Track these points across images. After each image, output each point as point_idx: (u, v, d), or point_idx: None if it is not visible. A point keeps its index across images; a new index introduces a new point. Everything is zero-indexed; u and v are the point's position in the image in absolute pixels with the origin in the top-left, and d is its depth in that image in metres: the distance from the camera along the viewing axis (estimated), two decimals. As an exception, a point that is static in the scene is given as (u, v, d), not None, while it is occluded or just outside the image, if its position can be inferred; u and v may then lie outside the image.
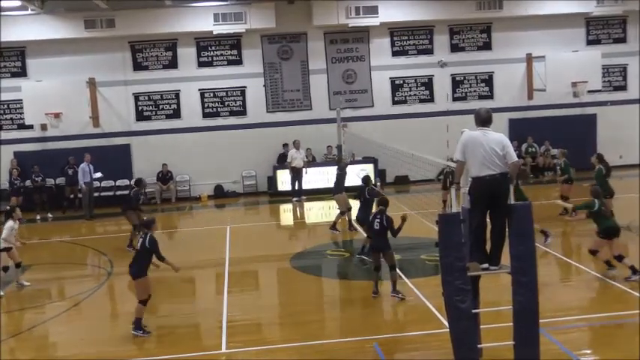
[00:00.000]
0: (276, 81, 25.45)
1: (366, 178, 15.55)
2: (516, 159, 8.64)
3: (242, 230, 18.94)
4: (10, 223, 14.01)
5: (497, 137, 8.55)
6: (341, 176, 18.08)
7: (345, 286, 13.61)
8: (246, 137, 25.02)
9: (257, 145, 24.93)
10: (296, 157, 23.39)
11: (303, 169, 23.44)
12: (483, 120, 8.72)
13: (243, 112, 25.40)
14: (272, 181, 24.79)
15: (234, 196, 25.10)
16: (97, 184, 23.76)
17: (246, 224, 19.81)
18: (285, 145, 24.80)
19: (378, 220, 12.18)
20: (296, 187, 23.38)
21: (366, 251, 14.38)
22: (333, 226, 17.82)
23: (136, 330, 10.95)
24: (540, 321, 8.68)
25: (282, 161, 24.73)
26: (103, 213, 22.72)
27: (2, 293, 13.61)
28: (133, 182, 19.09)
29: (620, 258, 12.43)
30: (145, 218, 11.75)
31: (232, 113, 25.36)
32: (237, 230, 18.67)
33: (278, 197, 24.07)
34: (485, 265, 8.62)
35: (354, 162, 23.50)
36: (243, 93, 25.33)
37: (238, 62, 25.23)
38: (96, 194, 23.73)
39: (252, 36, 24.88)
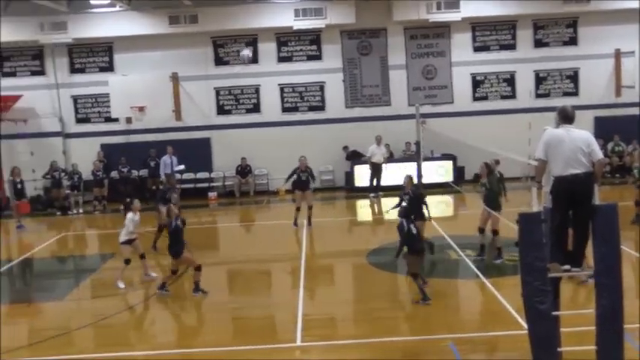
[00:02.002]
0: (355, 76, 25.43)
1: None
2: (602, 157, 8.35)
3: (318, 225, 19.01)
4: (130, 215, 14.19)
5: (582, 135, 8.29)
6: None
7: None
8: (325, 132, 25.09)
9: (335, 141, 24.97)
10: (376, 152, 23.26)
11: (383, 165, 23.29)
12: (568, 117, 8.44)
13: (321, 107, 25.50)
14: (350, 176, 24.77)
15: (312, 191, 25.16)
16: (178, 176, 24.31)
17: (322, 219, 19.85)
18: (346, 147, 24.67)
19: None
20: (374, 183, 23.26)
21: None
22: None
23: (195, 292, 12.80)
24: (625, 326, 8.37)
25: (354, 157, 24.66)
26: (182, 205, 23.18)
27: (122, 286, 13.77)
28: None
29: None
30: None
31: (311, 108, 25.49)
32: (314, 225, 18.74)
33: (355, 193, 24.04)
34: (567, 267, 8.38)
35: (432, 158, 23.31)
36: (322, 88, 25.42)
37: (318, 57, 25.34)
38: (177, 186, 24.24)
39: (332, 31, 24.93)
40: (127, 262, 13.97)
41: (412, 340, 10.12)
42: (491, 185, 14.31)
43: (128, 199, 15.29)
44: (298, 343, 10.24)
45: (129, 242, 14.09)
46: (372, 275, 13.94)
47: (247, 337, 10.73)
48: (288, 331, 10.76)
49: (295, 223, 18.52)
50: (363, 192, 23.68)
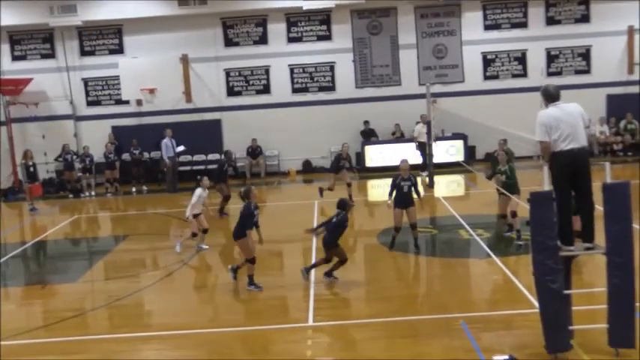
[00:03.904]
0: (365, 56, 25.33)
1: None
2: (588, 122, 8.75)
3: (330, 206, 18.99)
4: (198, 191, 14.65)
5: (575, 107, 8.47)
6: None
7: (432, 262, 13.48)
8: (335, 113, 25.07)
9: (346, 121, 24.94)
10: (422, 131, 22.97)
11: (434, 143, 22.94)
12: (554, 96, 8.55)
13: (332, 88, 25.45)
14: (360, 157, 24.75)
15: (323, 171, 25.21)
16: (189, 157, 24.50)
17: (333, 200, 19.79)
18: (367, 122, 24.71)
19: None
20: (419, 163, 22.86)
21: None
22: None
23: (249, 285, 11.85)
24: (637, 304, 8.37)
25: (366, 137, 24.64)
26: (196, 186, 23.29)
27: (205, 246, 14.71)
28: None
29: None
30: (242, 189, 12.31)
31: (321, 89, 25.45)
32: (325, 205, 18.76)
33: (366, 173, 24.04)
34: (588, 245, 8.40)
35: (442, 138, 23.18)
36: (332, 68, 25.35)
37: (328, 38, 25.26)
38: (187, 168, 24.47)
39: (342, 11, 24.80)
40: (194, 235, 14.65)
41: (424, 319, 10.14)
42: (512, 172, 14.09)
43: (199, 177, 16.31)
44: (310, 322, 10.30)
45: (195, 216, 14.59)
46: (382, 255, 13.97)
47: (260, 317, 10.78)
48: (300, 311, 10.82)
49: (321, 194, 19.21)
50: (373, 172, 23.65)
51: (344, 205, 12.29)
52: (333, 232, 12.08)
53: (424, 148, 22.71)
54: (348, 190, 18.81)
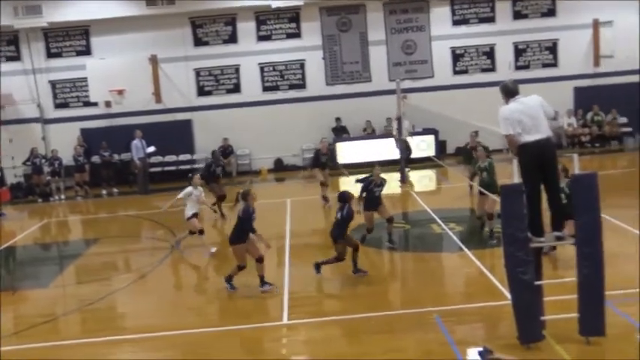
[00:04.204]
0: (335, 53, 25.34)
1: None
2: (553, 113, 8.84)
3: (302, 203, 19.04)
4: (188, 189, 14.42)
5: (533, 100, 8.58)
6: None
7: (405, 257, 13.54)
8: (306, 110, 25.05)
9: (317, 118, 24.94)
10: (402, 127, 22.91)
11: (410, 138, 23.04)
12: (513, 91, 8.70)
13: (302, 86, 25.42)
14: (332, 153, 24.73)
15: (294, 169, 25.23)
16: (160, 158, 24.35)
17: (306, 197, 19.87)
18: (338, 119, 24.76)
19: None
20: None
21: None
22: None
23: (262, 286, 11.55)
24: (607, 293, 8.50)
25: (338, 134, 24.67)
26: (166, 188, 23.20)
27: (214, 249, 14.35)
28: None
29: None
30: (240, 190, 12.02)
31: (292, 87, 25.42)
32: (298, 203, 18.77)
33: (338, 170, 24.00)
34: (558, 233, 8.53)
35: (413, 133, 23.27)
36: (302, 66, 25.32)
37: (297, 35, 25.22)
38: (158, 169, 24.34)
39: (311, 9, 24.79)
40: (201, 232, 14.38)
41: (398, 314, 10.19)
42: (491, 168, 13.52)
43: (190, 174, 16.08)
44: (285, 321, 10.29)
45: (194, 216, 14.39)
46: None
47: (234, 317, 10.76)
48: (274, 309, 10.81)
49: (324, 199, 18.36)
50: (345, 169, 23.61)
51: (345, 198, 12.12)
52: (341, 226, 11.99)
53: (404, 144, 22.75)
54: (323, 189, 18.37)
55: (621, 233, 13.33)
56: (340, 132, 24.92)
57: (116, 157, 24.72)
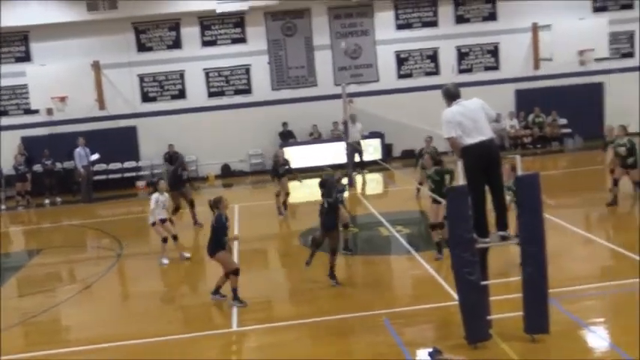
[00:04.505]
0: (280, 58, 25.33)
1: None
2: (494, 115, 9.00)
3: (251, 209, 18.96)
4: (155, 196, 14.09)
5: (475, 103, 8.71)
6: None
7: (354, 261, 13.60)
8: (252, 115, 24.98)
9: (263, 124, 24.89)
10: (352, 131, 23.04)
11: (363, 141, 23.13)
12: (454, 95, 8.85)
13: (248, 91, 25.34)
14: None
15: (242, 175, 25.12)
16: (104, 166, 23.96)
17: (254, 203, 19.81)
18: (285, 124, 24.76)
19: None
20: (357, 161, 22.82)
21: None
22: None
23: (233, 300, 11.02)
24: (550, 291, 8.69)
25: (285, 139, 24.67)
26: (111, 196, 22.88)
27: (166, 262, 13.98)
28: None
29: None
30: (211, 198, 11.50)
31: (237, 92, 25.30)
32: (246, 209, 18.69)
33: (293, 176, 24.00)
34: (502, 233, 8.67)
35: (365, 137, 23.50)
36: (247, 71, 25.25)
37: (242, 40, 25.14)
38: (103, 177, 23.96)
39: (256, 14, 24.73)
40: (164, 240, 14.01)
41: (347, 318, 10.22)
42: (440, 176, 12.86)
43: (155, 179, 15.49)
44: (234, 327, 10.23)
45: (162, 222, 14.09)
46: (305, 256, 13.97)
47: (183, 325, 10.65)
48: (223, 316, 10.74)
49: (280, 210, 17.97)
50: (291, 173, 23.61)
51: (327, 183, 11.88)
52: (331, 214, 11.71)
53: (358, 148, 22.92)
54: (285, 198, 17.97)
55: (563, 232, 13.66)
56: (287, 137, 24.93)
57: (59, 165, 24.21)
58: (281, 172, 17.88)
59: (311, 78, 25.46)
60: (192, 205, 17.32)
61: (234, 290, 11.06)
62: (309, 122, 24.91)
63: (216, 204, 11.24)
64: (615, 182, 15.65)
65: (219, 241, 11.10)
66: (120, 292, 13.13)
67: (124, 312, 11.78)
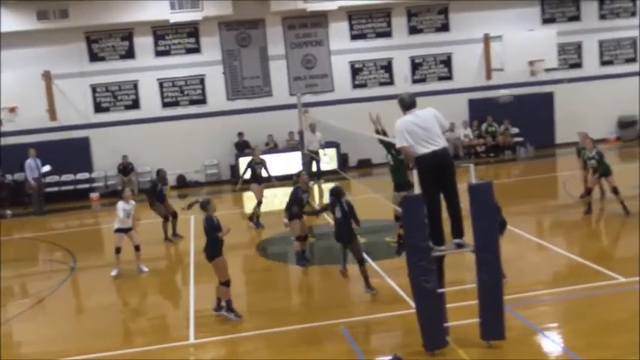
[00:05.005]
0: (235, 68, 25.27)
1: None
2: (448, 125, 9.19)
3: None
4: (119, 205, 13.79)
5: (429, 112, 8.81)
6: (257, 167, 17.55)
7: (312, 271, 13.60)
8: (207, 126, 24.83)
9: (218, 134, 24.78)
10: (312, 140, 22.96)
11: (322, 151, 23.09)
12: (409, 105, 8.95)
13: (203, 101, 25.19)
14: (235, 169, 24.67)
15: (197, 185, 24.94)
16: (56, 177, 23.54)
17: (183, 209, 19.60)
18: (241, 134, 24.70)
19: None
20: (314, 170, 22.60)
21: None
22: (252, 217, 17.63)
23: (227, 312, 10.80)
24: (506, 297, 8.84)
25: (240, 149, 24.60)
26: (63, 208, 22.47)
27: (114, 273, 13.72)
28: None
29: None
30: (200, 200, 11.20)
31: (192, 102, 25.14)
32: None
33: (241, 185, 23.87)
34: (458, 241, 8.77)
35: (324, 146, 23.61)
36: (202, 81, 25.11)
37: (197, 50, 24.99)
38: (55, 189, 23.54)
39: (210, 24, 24.64)
40: (117, 250, 13.69)
41: (305, 328, 10.22)
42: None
43: (120, 187, 15.05)
44: (191, 340, 10.13)
45: (122, 231, 13.81)
46: (262, 266, 13.98)
47: (139, 338, 10.52)
48: (180, 329, 10.63)
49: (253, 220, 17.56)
50: (248, 183, 23.52)
51: (339, 192, 11.58)
52: (344, 225, 11.46)
53: (315, 157, 22.91)
54: (256, 210, 17.57)
55: (517, 239, 13.88)
56: (242, 147, 24.83)
57: (9, 177, 23.71)
58: (258, 171, 17.46)
59: (266, 88, 25.45)
60: (175, 216, 16.95)
61: (229, 302, 10.83)
62: (264, 132, 24.87)
63: (204, 206, 10.92)
64: (589, 191, 15.91)
65: (215, 243, 10.77)
66: (74, 306, 12.88)
67: (78, 326, 11.57)
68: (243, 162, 24.12)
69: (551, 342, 9.01)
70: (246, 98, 25.33)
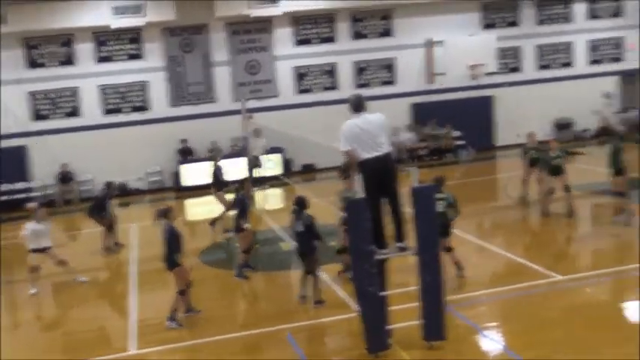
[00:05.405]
0: (178, 74, 25.01)
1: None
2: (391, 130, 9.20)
3: (150, 228, 18.52)
4: (29, 226, 13.41)
5: (376, 118, 8.87)
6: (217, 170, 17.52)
7: (256, 277, 13.51)
8: (150, 133, 24.50)
9: (161, 141, 24.48)
10: (255, 145, 22.80)
11: (262, 157, 22.91)
12: (357, 107, 8.94)
13: (145, 108, 24.86)
14: (177, 176, 24.42)
15: (139, 193, 24.56)
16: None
17: (152, 222, 19.36)
18: (184, 141, 24.47)
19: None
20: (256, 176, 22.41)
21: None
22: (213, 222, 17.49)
23: (170, 320, 10.64)
24: (448, 298, 8.95)
25: (184, 156, 24.38)
26: (1, 218, 21.87)
27: (34, 292, 13.21)
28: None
29: None
30: (159, 208, 11.14)
31: (135, 109, 24.77)
32: (146, 228, 18.25)
33: (184, 192, 23.71)
34: (401, 244, 8.84)
35: (269, 152, 23.52)
36: (145, 88, 24.78)
37: (139, 56, 24.65)
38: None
39: (153, 29, 24.33)
40: (32, 270, 13.29)
41: (251, 335, 10.17)
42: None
43: (27, 204, 15.30)
44: (133, 351, 9.96)
45: (39, 251, 13.33)
46: (205, 274, 13.84)
47: (78, 351, 10.27)
48: (122, 339, 10.44)
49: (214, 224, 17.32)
50: (190, 191, 23.37)
51: (303, 203, 11.22)
52: (307, 238, 11.06)
53: (258, 162, 22.77)
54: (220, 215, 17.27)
55: (459, 241, 14.05)
56: (186, 153, 24.60)
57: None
58: (220, 177, 17.29)
59: (210, 94, 25.26)
60: (110, 228, 16.55)
61: (175, 312, 10.71)
62: (208, 139, 24.67)
63: (165, 214, 10.84)
64: (551, 191, 16.01)
65: (176, 252, 10.65)
66: (6, 321, 12.49)
67: (12, 340, 11.21)
68: (186, 169, 23.99)
69: (491, 341, 9.17)
70: (190, 104, 25.08)
